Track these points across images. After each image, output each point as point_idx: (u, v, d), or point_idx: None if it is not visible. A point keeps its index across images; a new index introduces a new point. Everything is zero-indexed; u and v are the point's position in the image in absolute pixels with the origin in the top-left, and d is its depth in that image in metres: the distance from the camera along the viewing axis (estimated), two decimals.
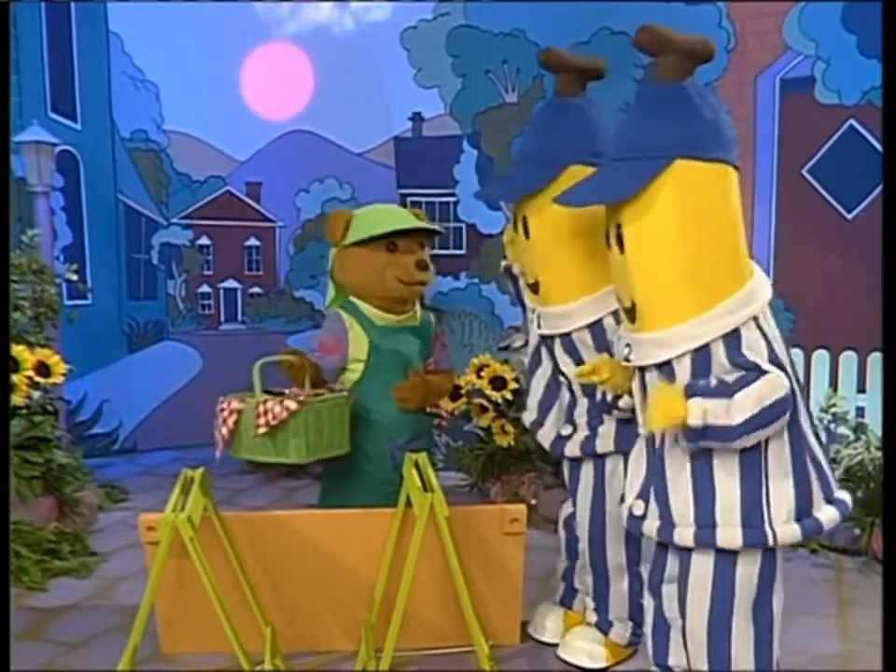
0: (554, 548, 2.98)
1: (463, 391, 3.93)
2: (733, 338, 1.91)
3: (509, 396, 3.84)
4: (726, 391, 1.85)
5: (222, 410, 2.63)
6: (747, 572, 1.97)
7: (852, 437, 3.70)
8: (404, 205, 5.10)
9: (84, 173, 4.93)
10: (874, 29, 3.43)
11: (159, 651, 2.69)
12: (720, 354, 1.91)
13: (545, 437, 2.62)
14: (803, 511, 1.96)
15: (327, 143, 5.27)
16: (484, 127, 4.98)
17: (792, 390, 1.90)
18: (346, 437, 2.76)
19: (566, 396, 2.58)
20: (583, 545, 2.65)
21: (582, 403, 2.52)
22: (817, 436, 2.06)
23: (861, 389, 3.76)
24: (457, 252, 5.11)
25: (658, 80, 2.01)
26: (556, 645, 2.72)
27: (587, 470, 2.58)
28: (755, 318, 1.94)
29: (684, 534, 1.96)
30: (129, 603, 2.94)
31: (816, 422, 2.16)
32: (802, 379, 3.70)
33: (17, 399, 3.30)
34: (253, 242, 5.49)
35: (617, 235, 1.97)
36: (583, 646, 2.63)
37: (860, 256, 3.93)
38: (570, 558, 2.79)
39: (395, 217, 2.94)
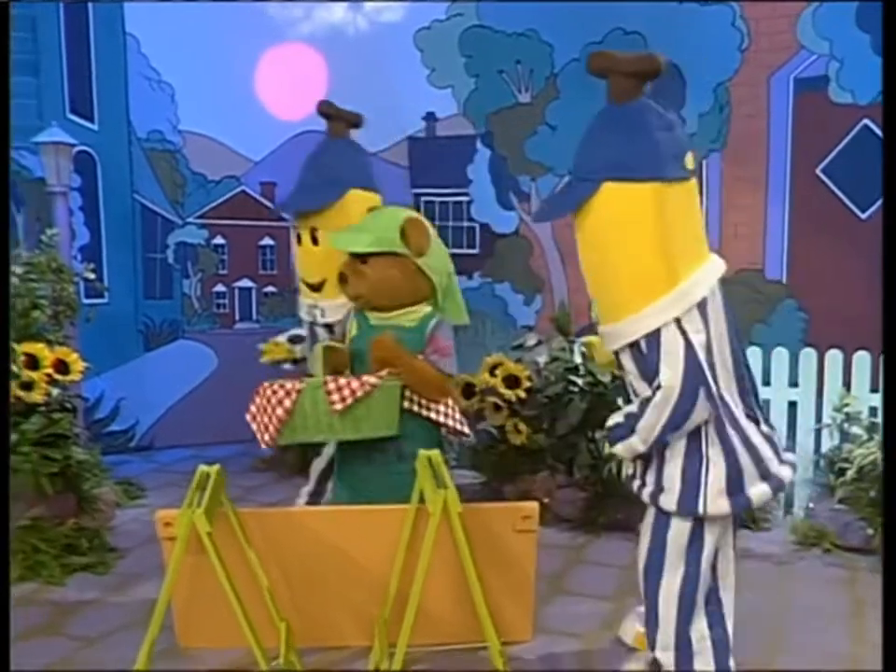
0: (567, 546, 3.00)
1: (476, 389, 3.94)
2: (653, 338, 2.20)
3: (522, 394, 3.85)
4: (632, 424, 2.27)
5: (274, 393, 2.62)
6: (678, 530, 2.32)
7: (865, 436, 3.70)
8: (417, 206, 5.14)
9: (101, 173, 4.98)
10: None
11: (176, 645, 2.73)
12: (643, 352, 2.24)
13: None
14: (735, 488, 2.26)
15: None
16: (497, 127, 5.00)
17: (717, 385, 2.23)
18: (397, 419, 2.84)
19: None
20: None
21: None
22: (754, 419, 2.35)
23: (875, 389, 3.75)
24: (471, 251, 5.13)
25: (609, 103, 2.24)
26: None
27: None
28: (677, 320, 2.19)
29: (644, 492, 2.38)
30: (146, 598, 2.98)
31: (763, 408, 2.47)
32: (815, 378, 3.70)
33: (36, 397, 3.34)
34: (267, 241, 5.52)
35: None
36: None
37: (873, 255, 3.91)
38: None
39: (344, 234, 3.04)
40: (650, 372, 2.23)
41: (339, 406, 2.62)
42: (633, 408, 2.30)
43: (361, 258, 2.93)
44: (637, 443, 2.27)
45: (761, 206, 4.45)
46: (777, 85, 4.40)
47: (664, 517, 2.34)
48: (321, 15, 5.37)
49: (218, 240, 5.40)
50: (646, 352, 2.23)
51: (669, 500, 2.30)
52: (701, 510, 2.25)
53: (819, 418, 3.93)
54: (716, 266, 2.33)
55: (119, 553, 3.51)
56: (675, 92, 4.49)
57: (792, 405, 3.98)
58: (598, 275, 2.29)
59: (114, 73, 4.98)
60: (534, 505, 2.70)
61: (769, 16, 4.35)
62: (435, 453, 2.53)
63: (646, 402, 2.23)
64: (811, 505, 3.78)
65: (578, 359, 3.95)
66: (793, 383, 3.98)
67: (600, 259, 2.25)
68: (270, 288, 5.55)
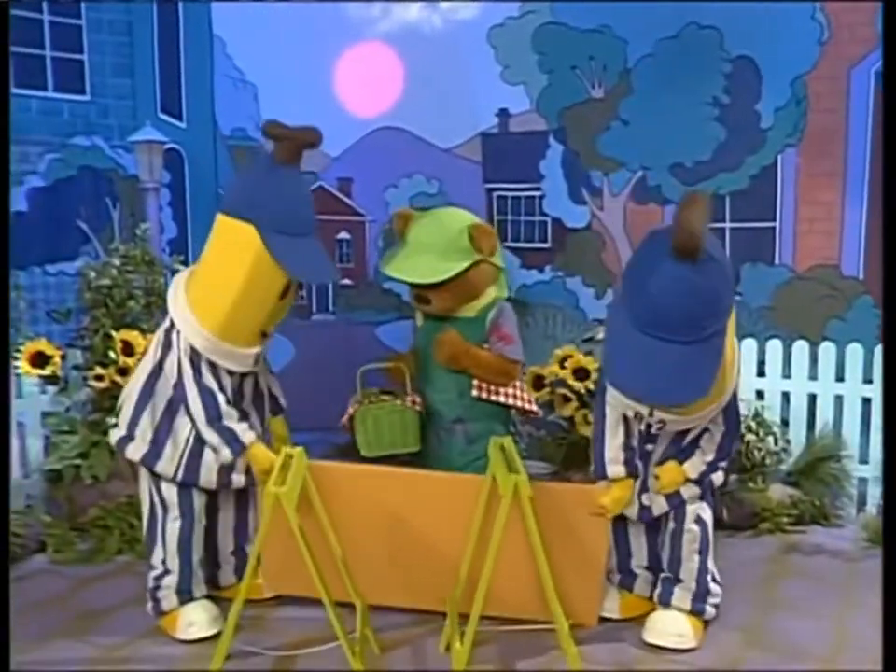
0: None
1: (546, 381, 4.01)
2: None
3: (591, 386, 3.90)
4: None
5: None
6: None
7: None
8: (490, 201, 5.21)
9: (188, 169, 5.20)
10: None
11: (254, 621, 2.89)
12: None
13: None
14: None
15: (415, 139, 5.39)
16: (570, 122, 5.02)
17: None
18: (411, 437, 3.11)
19: None
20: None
21: None
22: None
23: None
24: (542, 245, 5.19)
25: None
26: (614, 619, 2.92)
27: None
28: None
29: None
30: None
31: None
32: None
33: None
34: (344, 235, 5.66)
35: None
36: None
37: None
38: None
39: (397, 261, 3.18)
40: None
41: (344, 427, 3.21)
42: (712, 456, 2.76)
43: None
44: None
45: (838, 202, 4.39)
46: (858, 78, 4.33)
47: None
48: (398, 14, 5.48)
49: None
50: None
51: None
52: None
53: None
54: None
55: None
56: (750, 87, 4.47)
57: (867, 402, 3.94)
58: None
59: (201, 73, 5.19)
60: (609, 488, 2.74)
61: (849, 8, 4.28)
62: (507, 439, 2.61)
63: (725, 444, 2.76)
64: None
65: None
66: (868, 380, 3.94)
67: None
68: (346, 281, 5.70)
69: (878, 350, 3.90)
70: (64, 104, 4.79)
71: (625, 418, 2.71)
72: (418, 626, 2.87)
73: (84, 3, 4.79)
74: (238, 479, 2.82)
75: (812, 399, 4.06)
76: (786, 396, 4.10)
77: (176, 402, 2.71)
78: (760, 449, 3.82)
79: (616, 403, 2.66)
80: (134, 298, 3.68)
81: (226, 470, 2.79)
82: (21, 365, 3.49)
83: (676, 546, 2.83)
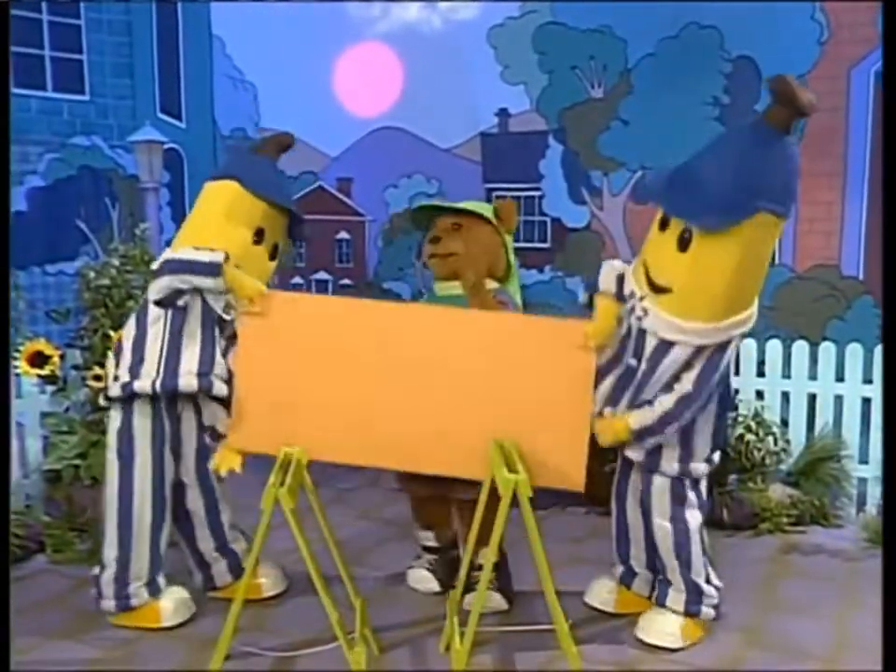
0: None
1: None
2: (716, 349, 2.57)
3: None
4: (668, 422, 2.66)
5: None
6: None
7: None
8: (490, 201, 5.22)
9: (187, 169, 5.20)
10: None
11: (254, 622, 2.89)
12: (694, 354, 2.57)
13: None
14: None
15: (415, 139, 5.40)
16: (570, 122, 5.03)
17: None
18: None
19: None
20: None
21: None
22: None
23: None
24: (542, 245, 5.19)
25: (767, 125, 2.43)
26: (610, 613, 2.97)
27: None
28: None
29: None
30: None
31: None
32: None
33: None
34: (343, 235, 5.67)
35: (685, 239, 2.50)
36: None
37: None
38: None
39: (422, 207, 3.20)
40: (683, 370, 2.56)
41: None
42: (668, 407, 2.59)
43: (456, 223, 3.05)
44: (665, 439, 2.67)
45: (838, 202, 4.39)
46: (858, 78, 4.33)
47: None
48: (397, 14, 5.48)
49: None
50: (701, 356, 2.55)
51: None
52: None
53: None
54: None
55: None
56: (750, 87, 4.47)
57: (867, 402, 3.94)
58: (711, 281, 2.48)
59: (200, 73, 5.21)
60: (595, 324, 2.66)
61: (850, 8, 4.28)
62: (507, 440, 2.60)
63: (682, 401, 2.58)
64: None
65: None
66: (868, 380, 3.94)
67: (729, 269, 2.47)
68: (345, 281, 5.70)
69: (878, 350, 3.90)
70: (64, 103, 4.79)
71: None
72: (418, 626, 2.87)
73: (83, 3, 4.80)
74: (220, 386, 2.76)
75: (812, 399, 4.06)
76: (786, 396, 4.10)
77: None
78: (760, 449, 3.82)
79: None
80: (134, 298, 3.67)
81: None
82: (20, 365, 3.48)
83: (650, 545, 2.86)
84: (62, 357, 3.60)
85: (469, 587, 2.78)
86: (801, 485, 3.90)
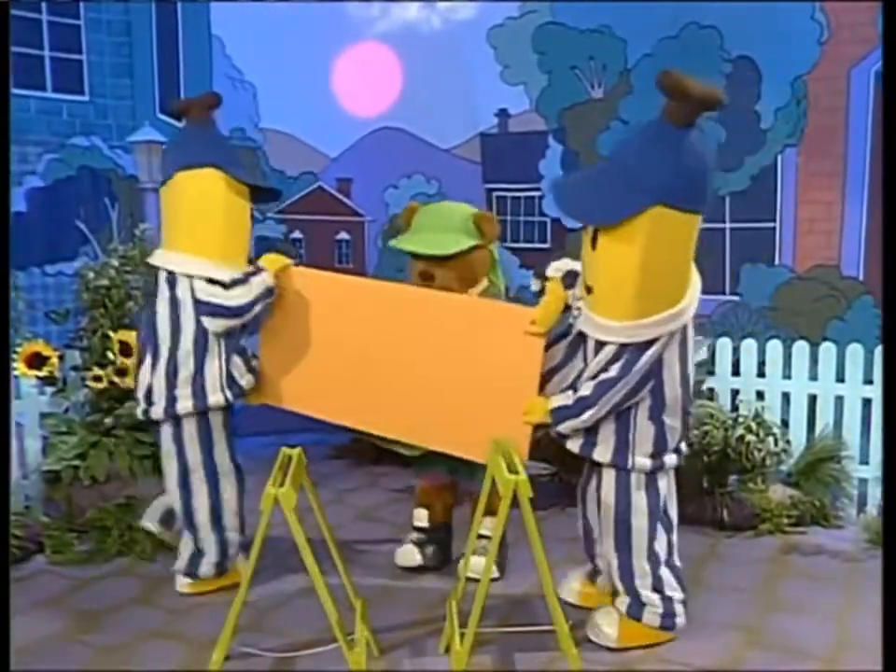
0: None
1: None
2: (643, 346, 2.53)
3: None
4: (583, 406, 2.65)
5: None
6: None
7: None
8: (490, 201, 5.22)
9: None
10: None
11: (253, 622, 2.89)
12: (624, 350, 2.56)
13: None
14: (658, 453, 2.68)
15: (415, 139, 5.40)
16: (570, 122, 5.03)
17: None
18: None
19: None
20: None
21: None
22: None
23: None
24: (542, 246, 5.19)
25: (666, 121, 2.39)
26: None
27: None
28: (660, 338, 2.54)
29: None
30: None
31: None
32: None
33: (129, 382, 3.53)
34: (343, 236, 5.67)
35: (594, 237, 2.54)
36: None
37: None
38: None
39: (414, 237, 3.19)
40: (611, 363, 2.56)
41: None
42: (585, 392, 2.60)
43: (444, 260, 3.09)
44: (582, 423, 2.65)
45: (838, 202, 4.39)
46: (858, 78, 4.33)
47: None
48: (396, 14, 5.48)
49: (296, 234, 5.58)
50: (625, 353, 2.55)
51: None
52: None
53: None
54: (696, 296, 2.59)
55: None
56: (750, 86, 4.47)
57: (867, 402, 3.94)
58: (620, 279, 2.50)
59: (200, 73, 5.20)
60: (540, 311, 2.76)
61: (850, 8, 4.28)
62: (506, 441, 2.61)
63: (599, 387, 2.57)
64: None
65: None
66: (868, 380, 3.93)
67: (634, 266, 2.45)
68: None
69: (879, 350, 3.90)
70: (63, 104, 4.79)
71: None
72: (418, 627, 2.87)
73: (83, 3, 4.80)
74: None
75: (812, 399, 4.06)
76: (786, 396, 4.09)
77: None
78: (760, 450, 3.81)
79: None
80: (133, 298, 3.67)
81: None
82: (18, 366, 3.47)
83: (590, 539, 2.93)
84: (60, 357, 3.59)
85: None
86: (801, 486, 3.90)
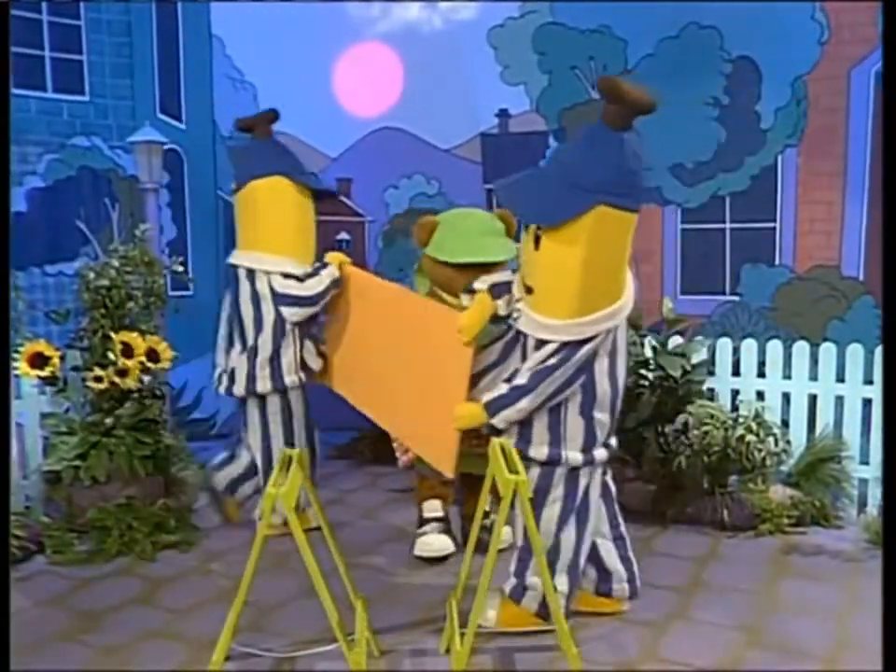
0: (635, 538, 3.07)
1: None
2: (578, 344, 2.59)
3: None
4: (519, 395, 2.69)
5: None
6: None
7: None
8: (490, 202, 5.21)
9: (187, 170, 5.20)
10: None
11: (253, 623, 2.89)
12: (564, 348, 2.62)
13: None
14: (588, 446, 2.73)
15: (415, 139, 5.41)
16: (570, 123, 5.03)
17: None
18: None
19: None
20: None
21: None
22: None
23: None
24: None
25: (604, 124, 2.48)
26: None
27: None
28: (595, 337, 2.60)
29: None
30: (229, 574, 3.21)
31: None
32: None
33: (130, 383, 3.54)
34: (343, 236, 5.67)
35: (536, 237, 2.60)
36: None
37: None
38: None
39: (465, 246, 3.19)
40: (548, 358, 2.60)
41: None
42: (522, 381, 2.64)
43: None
44: (517, 413, 2.67)
45: (838, 202, 4.40)
46: (858, 78, 4.34)
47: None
48: (397, 14, 5.48)
49: None
50: (564, 350, 2.59)
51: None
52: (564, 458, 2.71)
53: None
54: (632, 294, 2.66)
55: (203, 533, 3.68)
56: (750, 87, 4.47)
57: (867, 403, 3.94)
58: (563, 277, 2.56)
59: (200, 74, 5.20)
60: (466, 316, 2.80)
61: (850, 8, 4.28)
62: (506, 441, 2.61)
63: (537, 374, 2.61)
64: None
65: (648, 353, 3.99)
66: (868, 380, 3.93)
67: (576, 264, 2.52)
68: None
69: (879, 351, 3.90)
70: (64, 104, 4.79)
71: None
72: (418, 627, 2.87)
73: (83, 3, 4.80)
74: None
75: (812, 399, 4.05)
76: (786, 397, 4.09)
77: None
78: (760, 450, 3.81)
79: None
80: (133, 299, 3.67)
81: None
82: (20, 366, 3.48)
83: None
84: (61, 358, 3.60)
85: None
86: (801, 486, 3.90)
